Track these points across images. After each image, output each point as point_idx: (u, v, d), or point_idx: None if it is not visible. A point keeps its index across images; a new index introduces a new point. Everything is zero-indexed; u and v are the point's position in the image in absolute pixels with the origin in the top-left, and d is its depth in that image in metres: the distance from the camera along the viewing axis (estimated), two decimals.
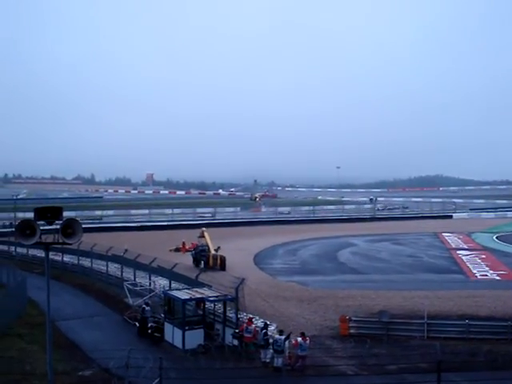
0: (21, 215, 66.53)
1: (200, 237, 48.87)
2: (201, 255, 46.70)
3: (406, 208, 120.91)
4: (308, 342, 21.53)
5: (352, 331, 25.87)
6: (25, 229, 12.53)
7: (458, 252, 55.51)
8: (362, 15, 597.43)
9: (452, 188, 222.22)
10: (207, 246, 47.50)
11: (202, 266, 45.17)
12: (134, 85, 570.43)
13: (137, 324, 27.80)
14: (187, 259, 46.61)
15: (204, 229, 50.26)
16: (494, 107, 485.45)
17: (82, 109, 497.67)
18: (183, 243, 54.83)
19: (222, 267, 44.55)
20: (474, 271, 44.13)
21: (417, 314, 27.51)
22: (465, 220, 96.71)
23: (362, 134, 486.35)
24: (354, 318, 26.55)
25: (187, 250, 52.17)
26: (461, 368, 19.79)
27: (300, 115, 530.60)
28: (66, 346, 24.06)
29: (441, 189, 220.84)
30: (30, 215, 13.22)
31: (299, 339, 21.61)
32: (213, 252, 46.39)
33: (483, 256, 52.33)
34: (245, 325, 23.82)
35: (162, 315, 27.43)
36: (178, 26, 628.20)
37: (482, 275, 42.41)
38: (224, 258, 45.60)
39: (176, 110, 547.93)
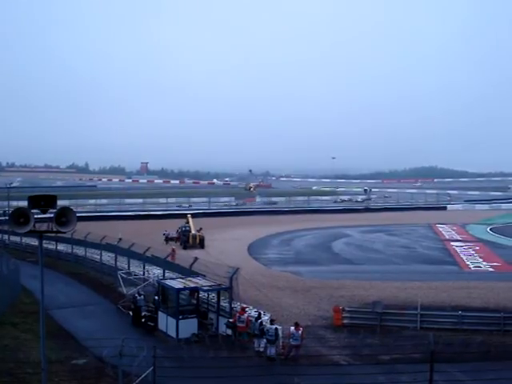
0: (14, 203, 66.10)
1: (186, 222, 55.02)
2: (183, 235, 52.69)
3: (387, 197, 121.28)
4: (301, 331, 21.58)
5: (345, 321, 25.94)
6: (18, 217, 12.41)
7: (452, 243, 55.69)
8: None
9: (447, 179, 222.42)
10: (189, 227, 53.58)
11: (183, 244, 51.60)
12: (126, 73, 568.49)
13: (130, 313, 27.80)
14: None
15: (189, 215, 57.04)
16: (490, 99, 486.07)
17: (75, 98, 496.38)
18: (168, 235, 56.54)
19: (201, 245, 51.44)
20: (468, 262, 44.29)
21: (410, 304, 27.54)
22: (459, 211, 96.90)
23: (358, 125, 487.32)
24: (347, 309, 26.60)
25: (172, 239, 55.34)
26: (454, 359, 19.84)
27: (296, 105, 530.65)
28: (59, 335, 24.01)
29: (435, 180, 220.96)
30: (24, 203, 13.08)
31: (292, 329, 21.67)
32: (193, 232, 52.35)
33: (477, 247, 52.52)
34: (237, 314, 23.85)
35: (152, 304, 27.46)
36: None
37: (476, 267, 42.58)
38: (203, 237, 52.34)
39: (170, 99, 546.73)
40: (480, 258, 46.54)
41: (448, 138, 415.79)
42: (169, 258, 33.75)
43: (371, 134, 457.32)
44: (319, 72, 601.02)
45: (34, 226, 12.42)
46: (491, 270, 41.40)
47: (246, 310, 24.90)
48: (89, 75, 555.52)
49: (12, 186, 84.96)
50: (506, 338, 23.12)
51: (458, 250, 50.77)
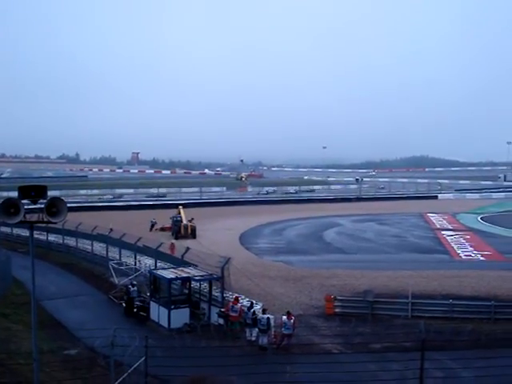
0: (4, 194, 65.87)
1: (178, 213, 55.37)
2: (175, 225, 53.02)
3: (382, 188, 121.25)
4: (293, 320, 21.66)
5: (337, 310, 26.06)
6: (9, 207, 12.33)
7: (443, 232, 55.96)
8: None
9: (438, 169, 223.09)
10: (181, 217, 53.91)
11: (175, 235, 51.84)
12: (118, 63, 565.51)
13: (123, 303, 27.79)
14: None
15: (181, 207, 57.60)
16: (482, 90, 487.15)
17: (66, 88, 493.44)
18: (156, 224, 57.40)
19: (193, 235, 51.39)
20: (459, 251, 44.53)
21: (401, 293, 27.70)
22: (450, 201, 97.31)
23: (349, 114, 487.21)
24: (339, 297, 26.72)
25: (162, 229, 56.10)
26: (445, 347, 19.97)
27: (287, 95, 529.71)
28: (51, 326, 23.99)
29: (426, 170, 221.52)
30: (14, 194, 13.00)
31: (284, 318, 21.75)
32: (184, 222, 52.72)
33: (468, 236, 52.79)
34: (230, 304, 23.88)
35: (148, 294, 27.43)
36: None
37: (466, 255, 42.81)
38: (194, 227, 52.62)
39: (162, 89, 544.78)
40: (471, 247, 46.81)
41: (439, 128, 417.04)
42: (169, 252, 33.77)
43: (362, 123, 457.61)
44: (311, 62, 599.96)
45: (24, 216, 12.35)
46: (482, 258, 41.63)
47: (239, 299, 24.93)
48: (80, 65, 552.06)
49: (2, 176, 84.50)
50: (496, 326, 23.28)
51: (449, 239, 51.02)
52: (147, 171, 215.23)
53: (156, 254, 32.52)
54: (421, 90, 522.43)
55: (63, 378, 17.61)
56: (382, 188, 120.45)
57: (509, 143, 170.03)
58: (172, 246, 35.19)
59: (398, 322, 24.25)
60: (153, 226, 56.23)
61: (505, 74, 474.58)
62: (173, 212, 56.92)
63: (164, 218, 56.49)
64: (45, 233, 45.66)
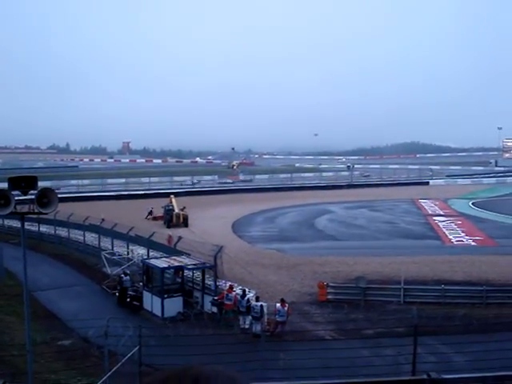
0: None
1: (170, 202, 55.05)
2: (167, 214, 52.97)
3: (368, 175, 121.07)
4: (287, 308, 21.77)
5: (330, 297, 26.19)
6: None
7: (435, 218, 56.11)
8: None
9: (429, 155, 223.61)
10: (173, 206, 53.79)
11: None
12: (108, 51, 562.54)
13: (116, 293, 27.80)
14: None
15: (172, 196, 57.17)
16: (472, 75, 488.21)
17: (55, 78, 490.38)
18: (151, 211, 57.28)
19: (185, 224, 51.38)
20: (450, 237, 44.67)
21: (393, 279, 27.86)
22: (441, 186, 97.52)
23: (340, 102, 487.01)
24: (331, 284, 26.85)
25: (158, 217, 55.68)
26: (437, 332, 20.13)
27: (277, 83, 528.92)
28: (44, 316, 24.01)
29: (418, 156, 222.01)
30: (4, 185, 12.94)
31: (278, 305, 21.86)
32: (176, 211, 52.61)
33: (459, 222, 52.98)
34: (225, 292, 23.95)
35: (141, 283, 27.46)
36: None
37: (458, 241, 42.98)
38: (186, 215, 52.68)
39: (150, 78, 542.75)
40: (462, 232, 46.97)
41: (430, 114, 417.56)
42: (166, 243, 33.68)
43: (353, 110, 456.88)
44: (300, 48, 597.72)
45: (15, 207, 12.32)
46: (473, 244, 41.80)
47: (233, 287, 25.00)
48: (68, 55, 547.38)
49: None
50: (488, 311, 23.51)
51: (441, 225, 51.19)
52: (138, 160, 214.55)
53: (148, 244, 32.51)
54: (412, 76, 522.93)
55: (57, 368, 17.65)
56: (368, 176, 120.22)
57: (499, 129, 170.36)
58: (170, 238, 35.07)
59: (391, 308, 24.42)
60: (150, 213, 56.32)
61: (496, 59, 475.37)
62: (164, 201, 56.81)
63: (155, 207, 56.36)
64: (36, 224, 45.50)
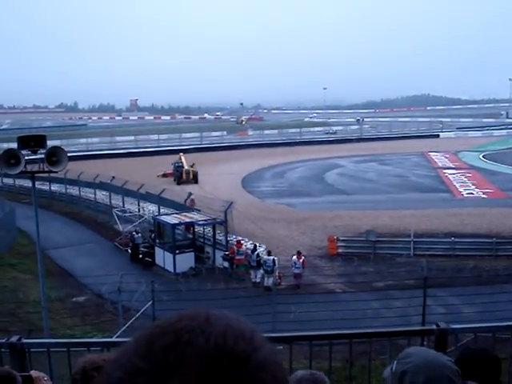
0: (4, 145, 65.52)
1: (179, 159, 55.25)
2: (177, 171, 53.32)
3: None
4: (302, 260, 22.13)
5: (340, 250, 26.33)
6: (9, 158, 12.34)
7: (445, 171, 55.78)
8: None
9: (439, 107, 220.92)
10: (182, 163, 53.94)
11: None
12: (114, 10, 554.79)
13: (128, 250, 28.09)
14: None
15: (181, 153, 57.41)
16: (484, 26, 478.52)
17: (62, 37, 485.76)
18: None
19: (195, 181, 51.55)
20: (461, 190, 44.51)
21: (403, 232, 27.92)
22: (452, 139, 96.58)
23: (349, 53, 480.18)
24: (341, 238, 26.97)
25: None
26: (446, 284, 20.29)
27: (286, 35, 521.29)
28: (58, 274, 24.33)
29: (428, 108, 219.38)
30: (14, 145, 12.98)
31: (294, 258, 22.16)
32: (186, 167, 52.77)
33: (469, 175, 52.68)
34: (235, 247, 24.14)
35: (149, 240, 27.74)
36: None
37: (468, 193, 42.84)
38: (196, 172, 52.73)
39: (157, 35, 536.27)
40: (473, 184, 46.75)
41: (441, 66, 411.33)
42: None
43: (363, 63, 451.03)
44: (309, 3, 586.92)
45: (25, 166, 12.37)
46: (484, 196, 41.66)
47: (242, 242, 25.16)
48: (76, 14, 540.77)
49: (1, 128, 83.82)
50: (497, 263, 23.56)
51: (451, 178, 50.93)
52: (147, 117, 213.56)
53: (159, 200, 32.64)
54: (422, 28, 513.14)
55: (72, 324, 17.99)
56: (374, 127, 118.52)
57: (511, 80, 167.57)
58: (192, 202, 34.35)
59: (401, 261, 24.55)
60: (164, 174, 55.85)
61: (508, 10, 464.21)
62: (173, 158, 56.76)
63: (165, 164, 56.27)
64: (47, 183, 45.67)
